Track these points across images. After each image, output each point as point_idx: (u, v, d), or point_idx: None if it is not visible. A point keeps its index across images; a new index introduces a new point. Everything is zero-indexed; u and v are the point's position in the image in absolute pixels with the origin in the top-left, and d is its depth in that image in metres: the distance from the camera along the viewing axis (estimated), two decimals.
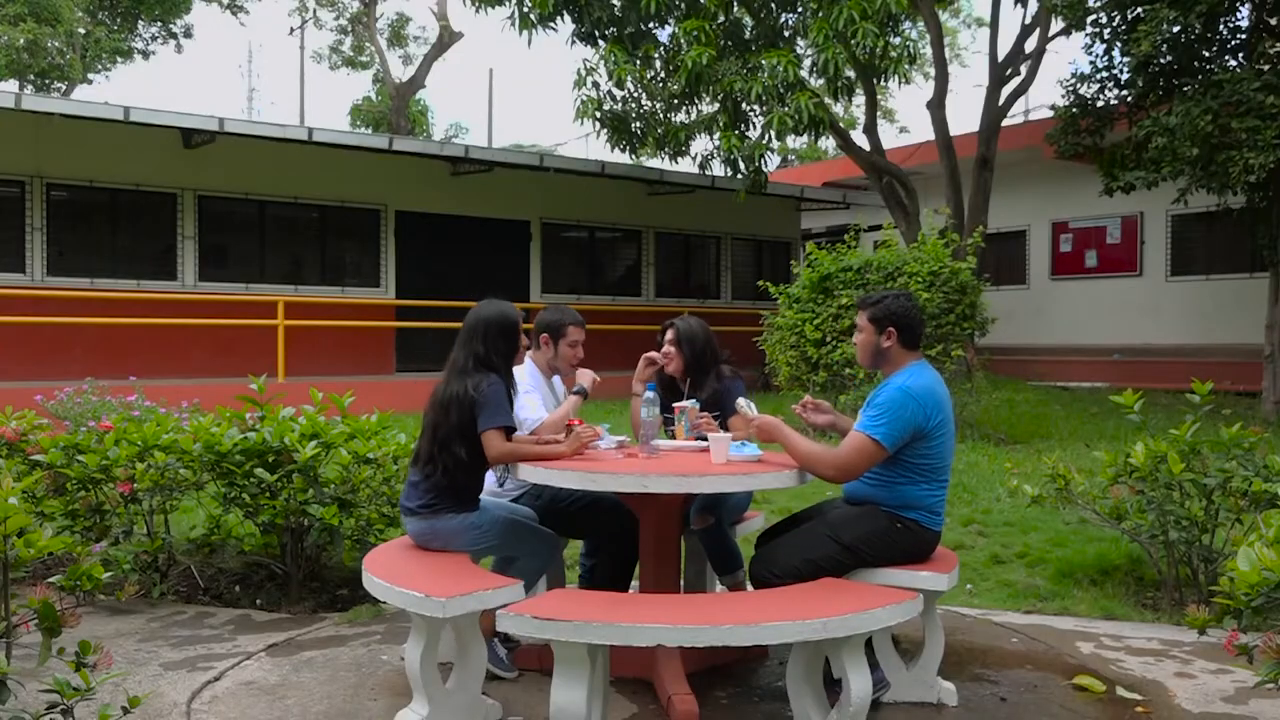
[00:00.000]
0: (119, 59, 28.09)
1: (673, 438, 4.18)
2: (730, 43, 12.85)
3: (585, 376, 4.29)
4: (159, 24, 28.55)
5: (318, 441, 4.87)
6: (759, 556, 3.71)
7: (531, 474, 3.65)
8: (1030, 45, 14.45)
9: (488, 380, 3.73)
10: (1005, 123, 15.02)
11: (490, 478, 4.20)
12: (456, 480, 3.76)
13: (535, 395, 4.22)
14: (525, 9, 12.79)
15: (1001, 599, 5.08)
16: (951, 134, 14.53)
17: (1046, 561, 5.55)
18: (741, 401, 3.96)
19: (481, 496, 3.96)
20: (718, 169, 13.55)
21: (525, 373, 4.28)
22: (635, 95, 13.26)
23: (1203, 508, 4.68)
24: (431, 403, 3.83)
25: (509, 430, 3.74)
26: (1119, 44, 11.43)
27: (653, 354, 4.46)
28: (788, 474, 3.61)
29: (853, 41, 11.32)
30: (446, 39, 25.77)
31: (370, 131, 27.97)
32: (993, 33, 15.03)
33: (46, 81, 26.18)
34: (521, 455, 3.72)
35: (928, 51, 17.74)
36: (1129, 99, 11.58)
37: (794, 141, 23.02)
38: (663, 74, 13.24)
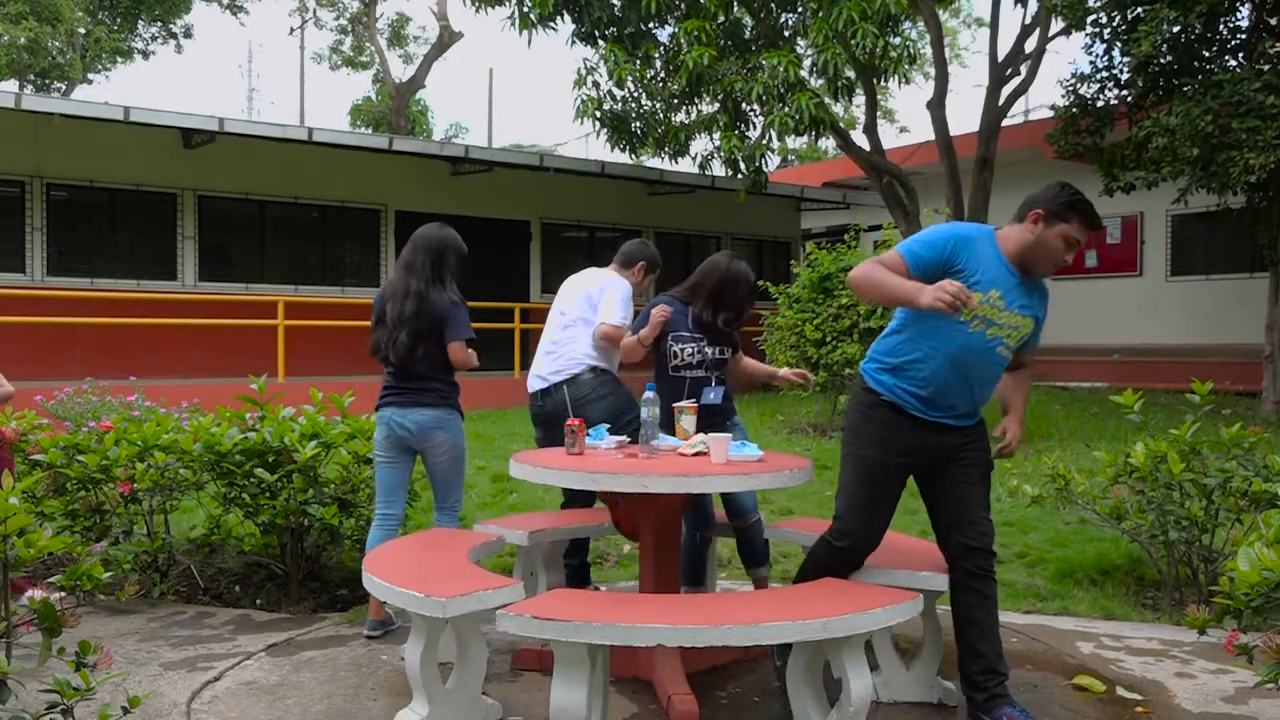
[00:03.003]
0: (119, 59, 28.09)
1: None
2: (730, 43, 12.84)
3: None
4: (159, 24, 28.54)
5: (318, 441, 4.88)
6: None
7: (531, 474, 3.66)
8: (1030, 45, 14.43)
9: (456, 295, 4.37)
10: (1005, 123, 14.99)
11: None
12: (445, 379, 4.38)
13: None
14: (525, 9, 12.79)
15: (1001, 599, 5.05)
16: (951, 134, 14.51)
17: (1046, 561, 5.55)
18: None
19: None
20: (718, 169, 13.54)
21: (625, 285, 4.85)
22: (635, 95, 13.26)
23: (1203, 508, 4.68)
24: (406, 309, 4.30)
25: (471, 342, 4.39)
26: (1119, 44, 11.42)
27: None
28: (788, 474, 3.61)
29: (853, 42, 11.32)
30: (446, 39, 25.78)
31: (370, 131, 27.96)
32: (993, 33, 15.02)
33: (46, 81, 26.19)
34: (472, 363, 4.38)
35: (928, 51, 17.72)
36: (1129, 99, 11.57)
37: (794, 141, 23.02)
38: (663, 74, 13.24)
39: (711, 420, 4.19)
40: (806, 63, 12.86)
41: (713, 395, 4.34)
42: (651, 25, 13.09)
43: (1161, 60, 10.76)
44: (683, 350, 4.36)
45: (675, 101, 13.12)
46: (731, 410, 4.51)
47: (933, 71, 15.12)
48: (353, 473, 5.01)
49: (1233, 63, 10.73)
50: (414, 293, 4.31)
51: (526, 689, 3.79)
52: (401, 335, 4.28)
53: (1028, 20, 14.33)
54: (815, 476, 3.81)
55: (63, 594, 2.35)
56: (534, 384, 4.83)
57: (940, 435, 3.45)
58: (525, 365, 14.38)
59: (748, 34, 13.23)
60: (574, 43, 13.48)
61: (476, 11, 13.56)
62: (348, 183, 14.02)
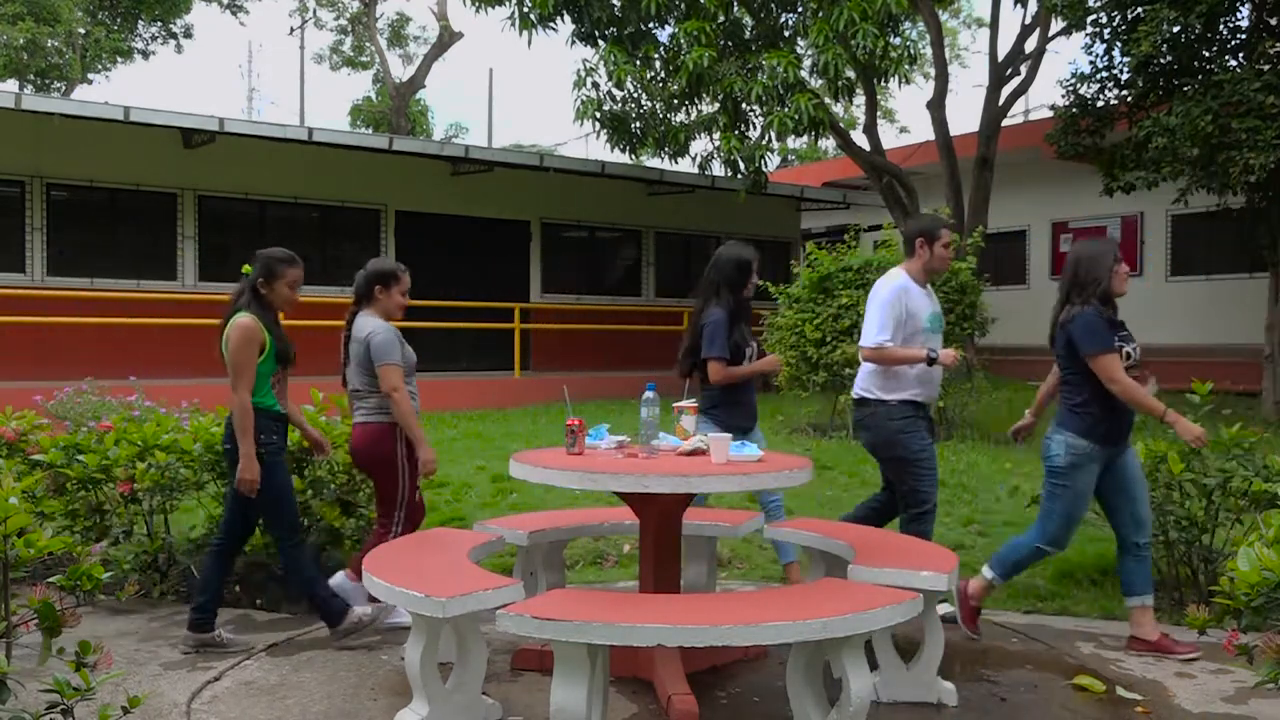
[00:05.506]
0: (119, 59, 28.07)
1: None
2: (730, 43, 12.84)
3: (948, 356, 4.51)
4: (159, 24, 28.54)
5: None
6: None
7: (531, 474, 3.65)
8: (1030, 45, 14.44)
9: (727, 307, 4.60)
10: (1005, 123, 15.00)
11: None
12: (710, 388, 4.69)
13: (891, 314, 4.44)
14: (525, 9, 12.79)
15: (1001, 599, 5.08)
16: (951, 134, 14.52)
17: (1046, 561, 5.54)
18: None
19: None
20: (718, 169, 13.54)
21: (889, 287, 4.46)
22: (635, 95, 13.26)
23: (1203, 508, 4.68)
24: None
25: (723, 360, 4.55)
26: (1119, 44, 11.42)
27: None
28: (788, 474, 3.61)
29: (853, 42, 11.32)
30: (446, 39, 25.78)
31: (370, 131, 27.94)
32: (993, 33, 15.03)
33: (46, 81, 26.18)
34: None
35: (928, 52, 17.74)
36: (1129, 99, 11.57)
37: (794, 142, 23.01)
38: (663, 74, 13.24)
39: None
40: (806, 63, 12.86)
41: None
42: (651, 25, 13.09)
43: (1161, 60, 10.76)
44: (1135, 350, 4.43)
45: (675, 102, 13.12)
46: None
47: (933, 71, 15.14)
48: (353, 472, 5.00)
49: (1233, 63, 10.72)
50: (696, 311, 4.79)
51: (526, 689, 3.79)
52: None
53: (1028, 20, 14.34)
54: (815, 476, 3.80)
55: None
56: None
57: None
58: (525, 366, 14.42)
59: (748, 34, 13.23)
60: (574, 43, 13.48)
61: (476, 11, 13.56)
62: (348, 183, 14.01)
